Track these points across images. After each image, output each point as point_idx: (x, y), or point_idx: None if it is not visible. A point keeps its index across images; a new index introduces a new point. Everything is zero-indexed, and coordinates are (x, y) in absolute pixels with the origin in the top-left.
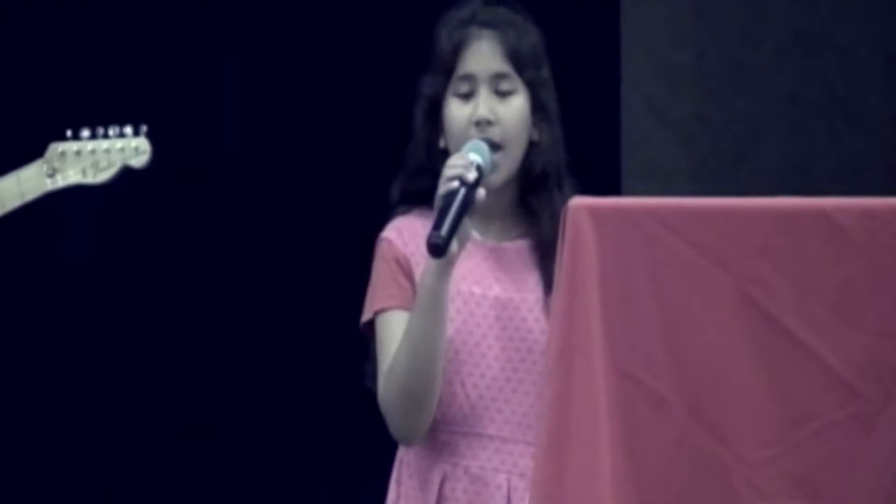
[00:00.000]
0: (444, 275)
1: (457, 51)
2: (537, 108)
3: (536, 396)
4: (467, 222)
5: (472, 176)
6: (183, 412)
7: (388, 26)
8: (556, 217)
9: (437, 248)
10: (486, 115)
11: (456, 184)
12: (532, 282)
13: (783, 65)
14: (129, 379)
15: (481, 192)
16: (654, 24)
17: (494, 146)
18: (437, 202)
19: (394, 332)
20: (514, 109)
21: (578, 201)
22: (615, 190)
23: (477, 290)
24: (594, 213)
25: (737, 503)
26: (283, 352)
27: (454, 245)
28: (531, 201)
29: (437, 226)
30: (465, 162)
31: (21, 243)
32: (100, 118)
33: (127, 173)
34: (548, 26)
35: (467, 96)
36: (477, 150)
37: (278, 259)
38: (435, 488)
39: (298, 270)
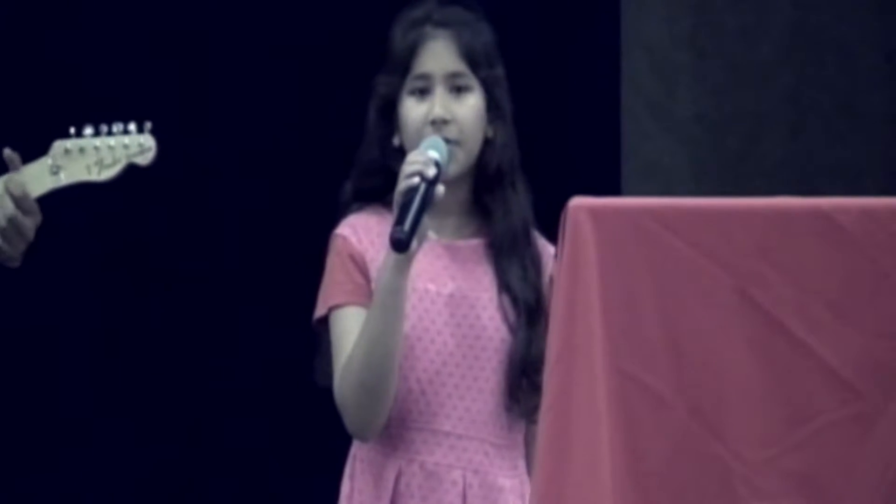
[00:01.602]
0: (402, 271)
1: (412, 50)
2: (492, 106)
3: (490, 393)
4: (426, 220)
5: (431, 172)
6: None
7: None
8: (509, 215)
9: (400, 244)
10: (443, 115)
11: (416, 180)
12: (486, 280)
13: (783, 65)
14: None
15: (440, 189)
16: (654, 24)
17: (451, 141)
18: (398, 198)
19: (349, 328)
20: (469, 108)
21: (578, 201)
22: (615, 190)
23: (432, 286)
24: (594, 213)
25: (737, 503)
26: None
27: (414, 242)
28: (485, 199)
29: (400, 221)
30: (424, 159)
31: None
32: (104, 116)
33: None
34: (548, 26)
35: (423, 95)
36: (435, 147)
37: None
38: (390, 484)
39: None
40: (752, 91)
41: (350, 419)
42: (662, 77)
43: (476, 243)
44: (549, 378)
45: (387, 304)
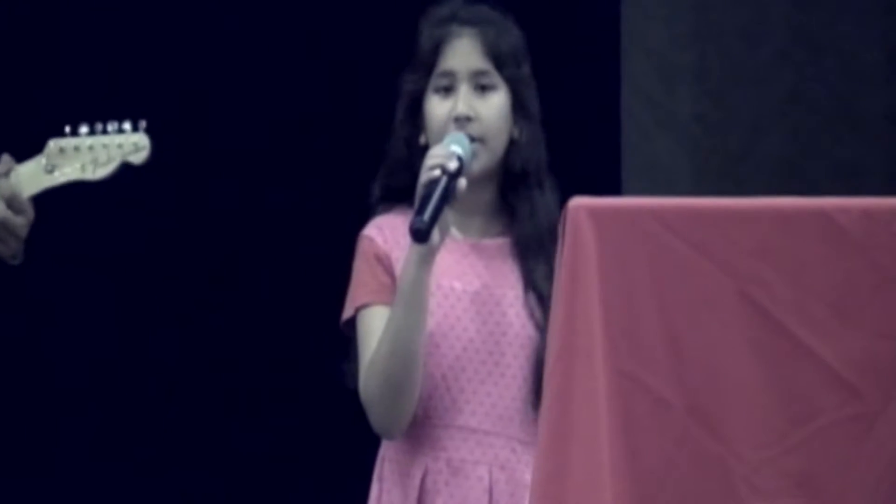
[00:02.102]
0: (425, 265)
1: (437, 48)
2: (517, 105)
3: (517, 390)
4: (448, 213)
5: (453, 165)
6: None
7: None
8: (535, 215)
9: (420, 233)
10: (466, 112)
11: (437, 172)
12: (513, 277)
13: (783, 65)
14: (114, 375)
15: (462, 182)
16: (654, 24)
17: (474, 139)
18: (419, 190)
19: (375, 327)
20: (493, 106)
21: (578, 201)
22: (615, 190)
23: (458, 285)
24: (594, 213)
25: (737, 503)
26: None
27: (436, 234)
28: (511, 199)
29: (420, 211)
30: (446, 152)
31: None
32: (99, 114)
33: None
34: (548, 26)
35: (447, 93)
36: (458, 142)
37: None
38: (416, 482)
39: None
40: (752, 91)
41: (375, 416)
42: (662, 77)
43: (502, 242)
44: (549, 378)
45: (410, 299)
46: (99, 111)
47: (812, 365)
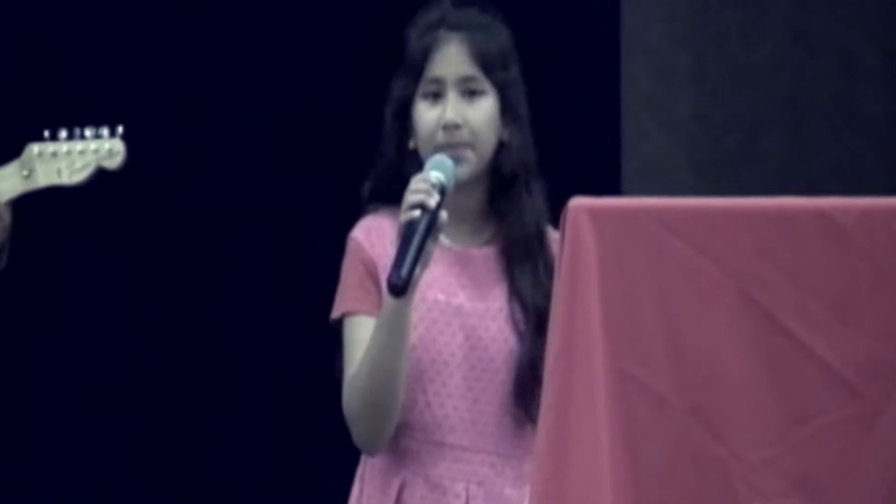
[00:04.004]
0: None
1: (425, 54)
2: (506, 108)
3: (498, 405)
4: (430, 246)
5: (433, 201)
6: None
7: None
8: (523, 218)
9: (397, 289)
10: (454, 119)
11: (417, 213)
12: (497, 290)
13: (783, 65)
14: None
15: (444, 215)
16: (654, 24)
17: (458, 159)
18: (399, 230)
19: (358, 338)
20: (482, 111)
21: (578, 201)
22: (615, 190)
23: (441, 297)
24: (594, 213)
25: (736, 503)
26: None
27: (417, 271)
28: (500, 203)
29: (398, 264)
30: (426, 186)
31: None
32: (81, 118)
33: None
34: (548, 26)
35: (436, 99)
36: (439, 168)
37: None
38: (394, 493)
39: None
40: (752, 91)
41: (356, 433)
42: (662, 77)
43: (489, 251)
44: (549, 378)
45: (392, 324)
46: (84, 115)
47: (812, 365)
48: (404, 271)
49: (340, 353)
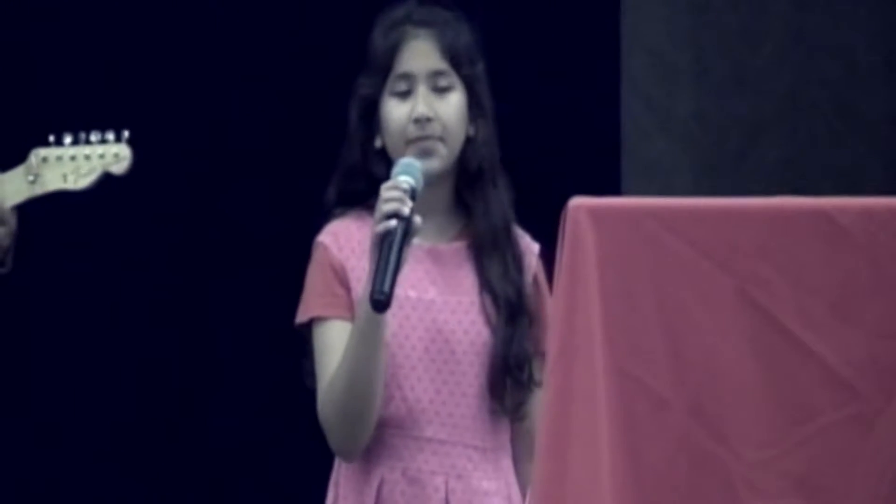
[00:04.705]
0: None
1: (393, 50)
2: (473, 104)
3: (473, 398)
4: (406, 251)
5: (407, 209)
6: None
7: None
8: (490, 212)
9: (381, 305)
10: (426, 113)
11: (393, 223)
12: (468, 283)
13: (783, 65)
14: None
15: (418, 219)
16: (654, 24)
17: (430, 153)
18: (375, 240)
19: (330, 343)
20: (452, 106)
21: (578, 201)
22: (615, 190)
23: (413, 293)
24: (594, 213)
25: (736, 503)
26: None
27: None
28: (467, 197)
29: (381, 279)
30: (399, 193)
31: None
32: (84, 123)
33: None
34: (548, 26)
35: (405, 95)
36: (408, 172)
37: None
38: (373, 490)
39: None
40: (752, 91)
41: (332, 440)
42: (662, 77)
43: (458, 246)
44: (549, 378)
45: (368, 334)
46: (86, 117)
47: (812, 365)
48: (387, 286)
49: (309, 357)
